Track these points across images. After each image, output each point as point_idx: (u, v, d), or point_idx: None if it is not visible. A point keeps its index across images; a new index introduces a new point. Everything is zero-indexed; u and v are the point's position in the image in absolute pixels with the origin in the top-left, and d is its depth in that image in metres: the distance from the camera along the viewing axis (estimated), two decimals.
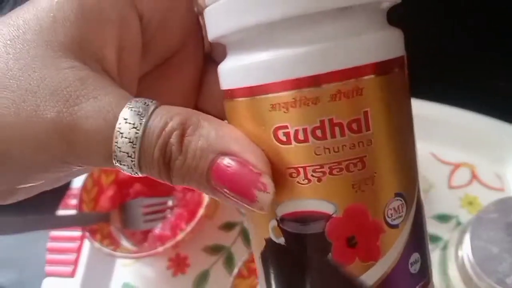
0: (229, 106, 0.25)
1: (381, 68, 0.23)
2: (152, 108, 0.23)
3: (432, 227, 0.49)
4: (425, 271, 0.26)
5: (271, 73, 0.23)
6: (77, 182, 0.62)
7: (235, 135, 0.23)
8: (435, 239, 0.50)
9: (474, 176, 0.53)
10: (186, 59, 0.30)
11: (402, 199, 0.25)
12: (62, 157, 0.23)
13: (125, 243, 0.61)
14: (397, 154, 0.24)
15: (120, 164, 0.23)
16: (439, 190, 0.53)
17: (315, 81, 0.22)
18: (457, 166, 0.53)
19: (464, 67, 0.57)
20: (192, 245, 0.61)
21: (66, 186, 0.61)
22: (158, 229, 0.61)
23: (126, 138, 0.22)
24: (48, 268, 0.60)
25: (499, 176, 0.54)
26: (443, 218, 0.51)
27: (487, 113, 0.53)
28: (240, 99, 0.24)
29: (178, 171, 0.23)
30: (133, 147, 0.22)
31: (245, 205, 0.23)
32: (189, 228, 0.57)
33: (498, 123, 0.53)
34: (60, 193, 0.61)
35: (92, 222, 0.58)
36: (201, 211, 0.58)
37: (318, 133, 0.23)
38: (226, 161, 0.23)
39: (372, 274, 0.24)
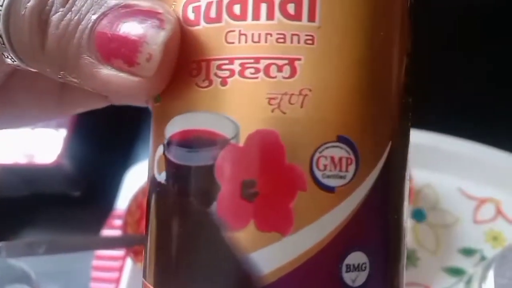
0: None
1: None
2: None
3: (457, 260, 0.50)
4: None
5: None
6: (122, 205, 0.62)
7: None
8: (460, 272, 0.50)
9: (499, 212, 0.53)
10: None
11: (349, 150, 0.15)
12: None
13: None
14: (356, 71, 0.15)
15: None
16: (464, 224, 0.53)
17: None
18: (482, 201, 0.54)
19: (494, 105, 0.57)
20: None
21: (110, 208, 0.61)
22: None
23: None
24: (93, 285, 0.60)
25: None
26: (467, 252, 0.51)
27: None
28: None
29: (55, 27, 0.17)
30: None
31: (133, 69, 0.16)
32: None
33: None
34: (104, 214, 0.62)
35: (135, 244, 0.57)
36: None
37: (236, 9, 0.15)
38: (120, 11, 0.16)
39: (272, 256, 0.15)
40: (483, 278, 0.43)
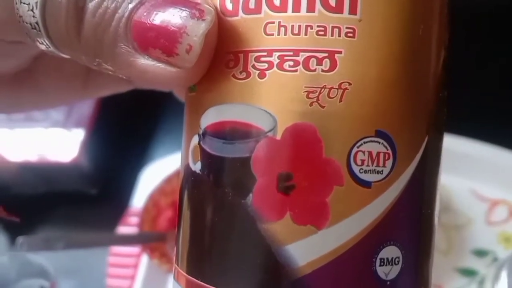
0: None
1: None
2: None
3: (469, 261, 0.50)
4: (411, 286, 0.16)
5: None
6: (137, 203, 0.62)
7: None
8: (472, 272, 0.50)
9: (511, 214, 0.53)
10: None
11: (386, 145, 0.15)
12: None
13: None
14: (395, 65, 0.15)
15: (27, 35, 0.18)
16: (476, 225, 0.53)
17: None
18: (495, 202, 0.54)
19: (507, 106, 0.56)
20: None
21: (126, 206, 0.62)
22: None
23: (24, 3, 0.17)
24: (109, 281, 0.60)
25: None
26: (480, 253, 0.51)
27: None
28: None
29: (92, 15, 0.16)
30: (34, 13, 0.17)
31: (172, 59, 0.16)
32: None
33: None
34: (120, 211, 0.62)
35: (151, 241, 0.58)
36: None
37: (276, 0, 0.15)
38: (158, 0, 0.16)
39: (307, 249, 0.15)
40: (495, 278, 0.43)
